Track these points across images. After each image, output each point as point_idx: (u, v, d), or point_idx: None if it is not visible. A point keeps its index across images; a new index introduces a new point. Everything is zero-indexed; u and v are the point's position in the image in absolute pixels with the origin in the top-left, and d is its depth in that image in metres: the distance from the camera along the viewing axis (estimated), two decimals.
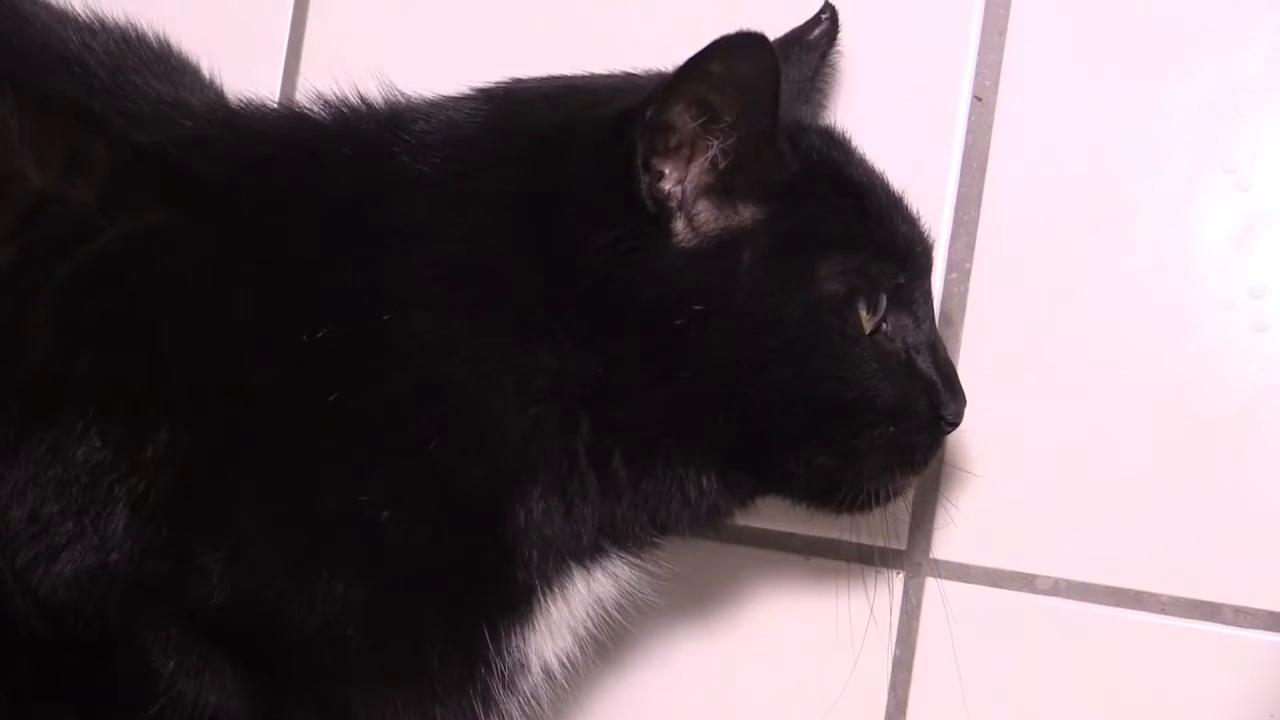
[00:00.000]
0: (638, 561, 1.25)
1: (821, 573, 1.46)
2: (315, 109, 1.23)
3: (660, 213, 1.15)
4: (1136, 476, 1.40)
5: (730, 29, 1.12)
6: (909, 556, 1.45)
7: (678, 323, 1.15)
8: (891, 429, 1.21)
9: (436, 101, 1.24)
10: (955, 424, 1.24)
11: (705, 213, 1.17)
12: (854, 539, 1.37)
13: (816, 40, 1.37)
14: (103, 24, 1.29)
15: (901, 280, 1.21)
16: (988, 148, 1.45)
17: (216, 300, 1.14)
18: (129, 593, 1.11)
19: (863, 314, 1.19)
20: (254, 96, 1.27)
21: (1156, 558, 1.39)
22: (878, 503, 1.24)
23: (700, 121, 1.14)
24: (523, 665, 1.21)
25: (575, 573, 1.21)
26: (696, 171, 1.16)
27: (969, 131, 1.45)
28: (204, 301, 1.14)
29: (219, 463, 1.11)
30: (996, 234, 1.44)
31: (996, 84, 1.45)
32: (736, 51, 1.11)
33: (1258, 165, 1.39)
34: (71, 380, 1.11)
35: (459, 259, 1.16)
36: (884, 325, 1.21)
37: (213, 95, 1.32)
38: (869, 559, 1.43)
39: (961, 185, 1.45)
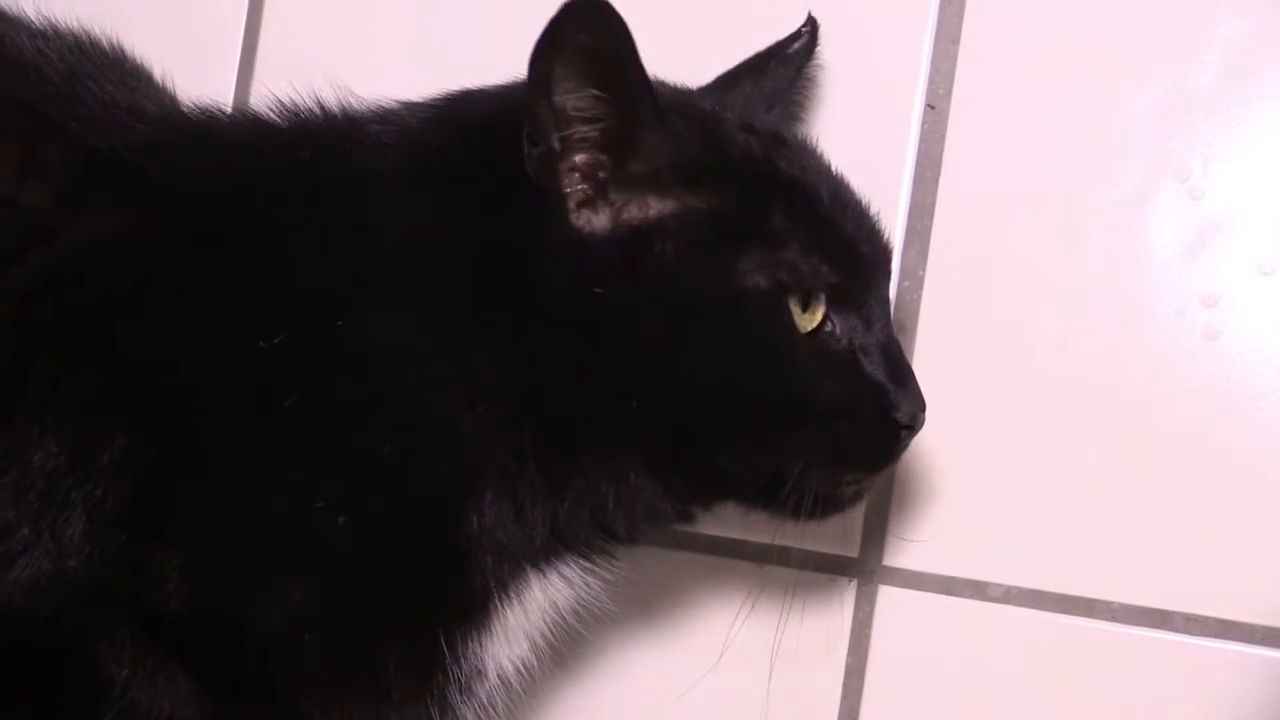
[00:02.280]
0: (590, 565, 1.25)
1: (774, 580, 1.45)
2: (272, 114, 1.22)
3: (555, 200, 1.15)
4: (1088, 484, 1.40)
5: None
6: (861, 564, 1.46)
7: (583, 312, 1.15)
8: (831, 429, 1.19)
9: (394, 106, 1.24)
10: (910, 426, 1.22)
11: (608, 200, 1.17)
12: (806, 546, 1.39)
13: (795, 53, 1.37)
14: (56, 30, 1.28)
15: (837, 279, 1.19)
16: (941, 156, 1.46)
17: (172, 305, 1.13)
18: (85, 599, 1.09)
19: (796, 311, 1.18)
20: (209, 102, 1.26)
21: (1107, 565, 1.39)
22: (830, 507, 1.23)
23: (580, 94, 1.14)
24: (480, 671, 1.20)
25: (530, 577, 1.21)
26: (586, 157, 1.16)
27: (922, 140, 1.46)
28: (160, 307, 1.12)
29: (176, 468, 1.11)
30: (950, 242, 1.45)
31: (949, 92, 1.46)
32: (577, 21, 1.11)
33: (1210, 174, 1.40)
34: (28, 384, 1.10)
35: (407, 258, 1.16)
36: (830, 325, 1.20)
37: (167, 101, 1.32)
38: (821, 566, 1.44)
39: (914, 193, 1.46)
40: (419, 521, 1.16)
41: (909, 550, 1.44)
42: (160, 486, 1.10)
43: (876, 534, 1.45)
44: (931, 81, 1.46)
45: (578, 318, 1.15)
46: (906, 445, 1.23)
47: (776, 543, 1.38)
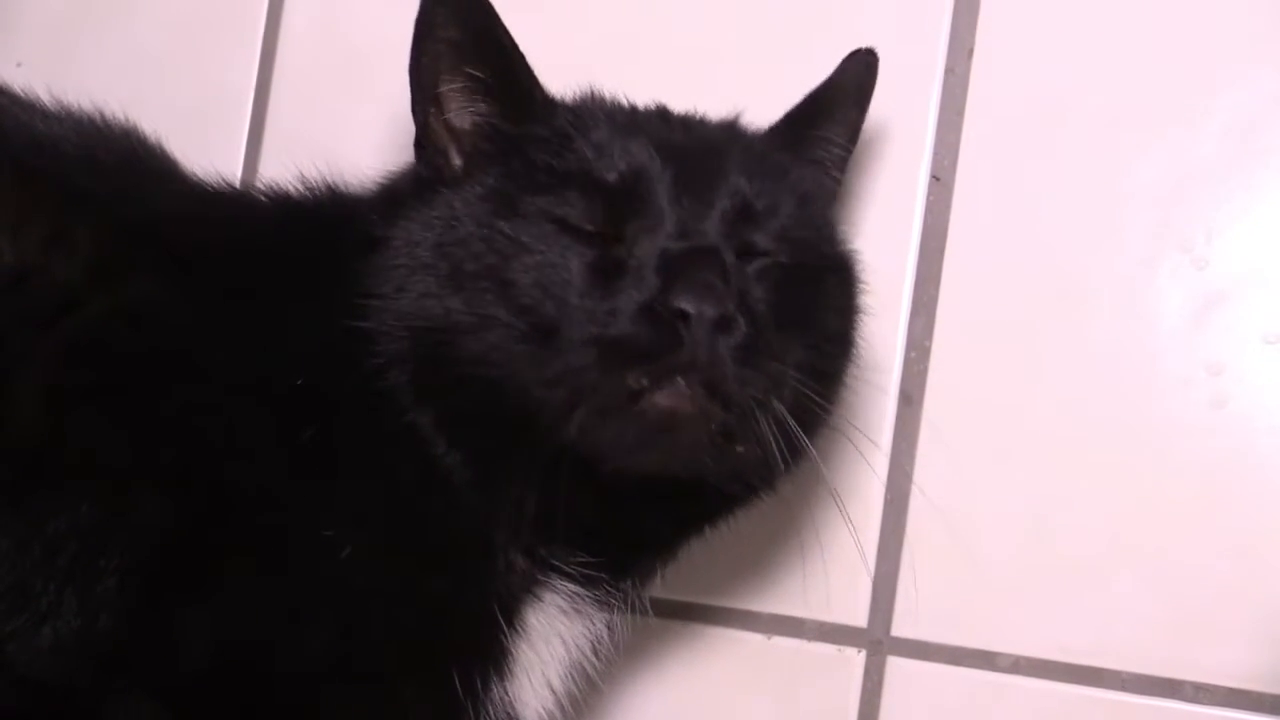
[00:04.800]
0: (582, 589, 1.23)
1: (782, 652, 1.46)
2: (279, 186, 1.27)
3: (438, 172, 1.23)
4: (1096, 553, 1.40)
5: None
6: (869, 634, 1.46)
7: None
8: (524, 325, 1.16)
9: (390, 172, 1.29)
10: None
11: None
12: (815, 617, 1.41)
13: (856, 95, 1.36)
14: (68, 111, 1.30)
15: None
16: (946, 227, 1.46)
17: (200, 363, 1.14)
18: (105, 665, 1.09)
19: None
20: (221, 176, 1.29)
21: (1117, 634, 1.39)
22: (625, 425, 1.14)
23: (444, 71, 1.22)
24: (508, 715, 1.21)
25: (529, 603, 1.22)
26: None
27: (928, 211, 1.47)
28: (189, 365, 1.14)
29: (205, 526, 1.11)
30: (956, 313, 1.45)
31: (955, 164, 1.46)
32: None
33: (1214, 243, 1.40)
34: (60, 449, 1.10)
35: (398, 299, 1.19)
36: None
37: (180, 175, 1.33)
38: (829, 637, 1.45)
39: (920, 264, 1.46)
40: (434, 560, 1.17)
41: (917, 620, 1.44)
42: (190, 542, 1.11)
43: (884, 604, 1.45)
44: (936, 153, 1.47)
45: None
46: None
47: (788, 614, 1.42)
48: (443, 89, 1.23)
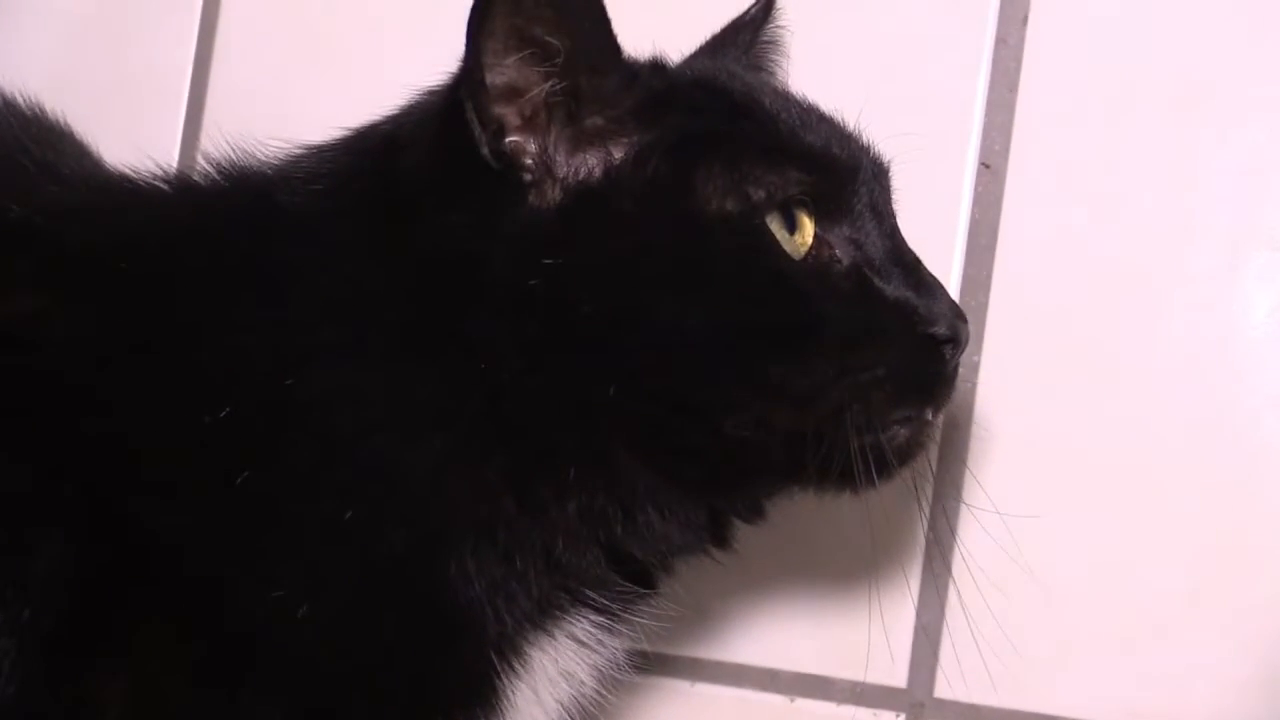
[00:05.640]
0: (608, 620, 1.17)
1: (809, 717, 1.40)
2: (194, 172, 1.20)
3: (509, 172, 1.11)
4: (1172, 603, 1.32)
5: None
6: (909, 696, 1.39)
7: (541, 296, 1.09)
8: (854, 360, 1.11)
9: (305, 150, 1.21)
10: (953, 339, 1.14)
11: (563, 161, 1.12)
12: (846, 676, 1.35)
13: (753, 18, 1.33)
14: None
15: (810, 181, 1.13)
16: (997, 223, 1.40)
17: (103, 388, 1.07)
18: None
19: (781, 234, 1.11)
20: (140, 164, 1.22)
21: (1196, 697, 1.31)
22: (881, 460, 1.12)
23: (523, 57, 1.09)
24: None
25: (534, 639, 1.14)
26: (542, 118, 1.12)
27: (976, 204, 1.41)
28: (89, 390, 1.07)
29: (118, 575, 1.05)
30: (1008, 322, 1.39)
31: (1007, 149, 1.40)
32: None
33: None
34: None
35: (335, 297, 1.12)
36: (827, 247, 1.14)
37: (88, 162, 1.28)
38: (864, 699, 1.38)
39: (968, 266, 1.40)
40: (393, 595, 1.09)
41: (964, 680, 1.36)
42: (101, 596, 1.04)
43: (926, 662, 1.38)
44: (986, 136, 1.41)
45: (535, 306, 1.09)
46: (955, 366, 1.16)
47: (814, 673, 1.37)
48: None
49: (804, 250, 1.11)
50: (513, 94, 1.10)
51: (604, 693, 1.21)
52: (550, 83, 1.09)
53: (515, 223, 1.10)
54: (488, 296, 1.09)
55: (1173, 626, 1.32)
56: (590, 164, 1.11)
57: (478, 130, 1.09)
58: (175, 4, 1.64)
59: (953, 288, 1.37)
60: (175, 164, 1.55)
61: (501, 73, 1.09)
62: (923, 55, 1.38)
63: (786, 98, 1.20)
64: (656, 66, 1.17)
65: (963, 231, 1.40)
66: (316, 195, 1.15)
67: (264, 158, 1.19)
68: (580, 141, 1.12)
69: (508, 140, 1.10)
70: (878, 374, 1.11)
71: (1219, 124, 1.35)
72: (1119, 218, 1.36)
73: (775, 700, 1.41)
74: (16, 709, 1.02)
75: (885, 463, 1.12)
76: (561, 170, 1.11)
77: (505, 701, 1.13)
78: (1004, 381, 1.38)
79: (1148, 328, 1.35)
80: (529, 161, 1.11)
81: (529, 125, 1.11)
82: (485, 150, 1.09)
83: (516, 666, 1.13)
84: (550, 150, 1.11)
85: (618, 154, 1.12)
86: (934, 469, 1.37)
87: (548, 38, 1.08)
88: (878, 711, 1.38)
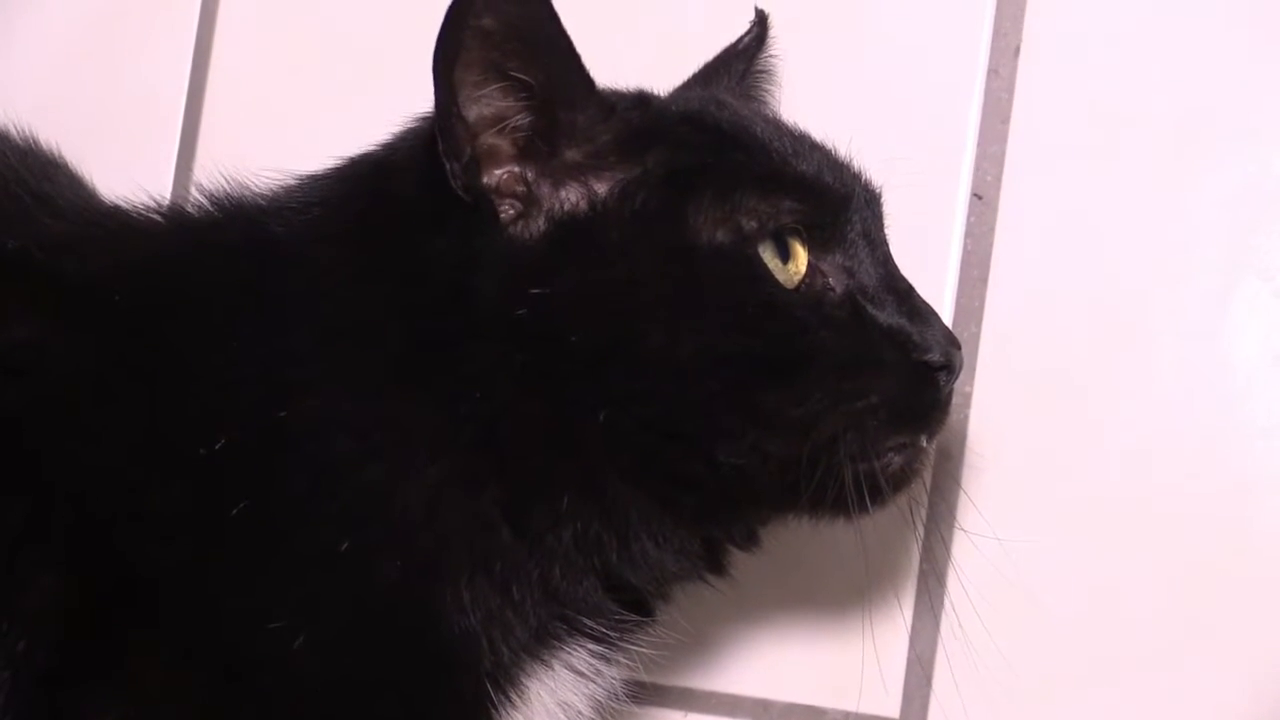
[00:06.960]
0: (606, 649, 1.16)
1: None
2: (197, 202, 1.20)
3: (481, 203, 1.11)
4: (1167, 636, 1.32)
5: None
6: None
7: (530, 328, 1.09)
8: (849, 387, 1.11)
9: (299, 180, 1.21)
10: (946, 366, 1.14)
11: (547, 193, 1.12)
12: (837, 705, 1.35)
13: (746, 47, 1.33)
14: None
15: (802, 210, 1.13)
16: (990, 252, 1.40)
17: (100, 420, 1.07)
18: None
19: (774, 263, 1.11)
20: (133, 194, 1.22)
21: None
22: (881, 489, 1.13)
23: (493, 91, 1.10)
24: None
25: (531, 670, 1.13)
26: (517, 152, 1.12)
27: (968, 234, 1.40)
28: (86, 422, 1.07)
29: (113, 607, 1.04)
30: (1000, 353, 1.38)
31: (999, 179, 1.40)
32: (476, 5, 1.07)
33: None
34: None
35: (329, 327, 1.11)
36: (821, 276, 1.14)
37: (83, 193, 1.27)
38: None
39: (960, 297, 1.40)
40: (387, 630, 1.09)
41: (959, 711, 1.35)
42: (94, 629, 1.04)
43: (919, 692, 1.37)
44: (978, 167, 1.40)
45: (524, 335, 1.09)
46: (949, 394, 1.16)
47: (805, 703, 1.36)
48: None
49: (797, 279, 1.11)
50: (484, 127, 1.10)
51: None
52: (519, 117, 1.10)
53: (496, 253, 1.10)
54: (477, 326, 1.09)
55: (1166, 654, 1.31)
56: (574, 197, 1.11)
57: (449, 163, 1.09)
58: (169, 33, 1.64)
59: (946, 317, 1.34)
60: (169, 193, 1.50)
61: (471, 107, 1.09)
62: (915, 86, 1.38)
63: (778, 126, 1.19)
64: (639, 99, 1.17)
65: (955, 262, 1.39)
66: (310, 224, 1.15)
67: (257, 188, 1.19)
68: (560, 174, 1.12)
69: (485, 173, 1.11)
70: (872, 401, 1.11)
71: (1210, 154, 1.35)
72: (1111, 248, 1.36)
73: None
74: None
75: (879, 490, 1.12)
76: (546, 202, 1.11)
77: None
78: (997, 411, 1.37)
79: (1140, 357, 1.34)
80: (505, 193, 1.11)
81: (504, 158, 1.11)
82: (455, 183, 1.10)
83: (513, 698, 1.12)
84: (530, 183, 1.11)
85: (600, 188, 1.12)
86: (928, 495, 1.35)
87: (515, 72, 1.08)
88: None
